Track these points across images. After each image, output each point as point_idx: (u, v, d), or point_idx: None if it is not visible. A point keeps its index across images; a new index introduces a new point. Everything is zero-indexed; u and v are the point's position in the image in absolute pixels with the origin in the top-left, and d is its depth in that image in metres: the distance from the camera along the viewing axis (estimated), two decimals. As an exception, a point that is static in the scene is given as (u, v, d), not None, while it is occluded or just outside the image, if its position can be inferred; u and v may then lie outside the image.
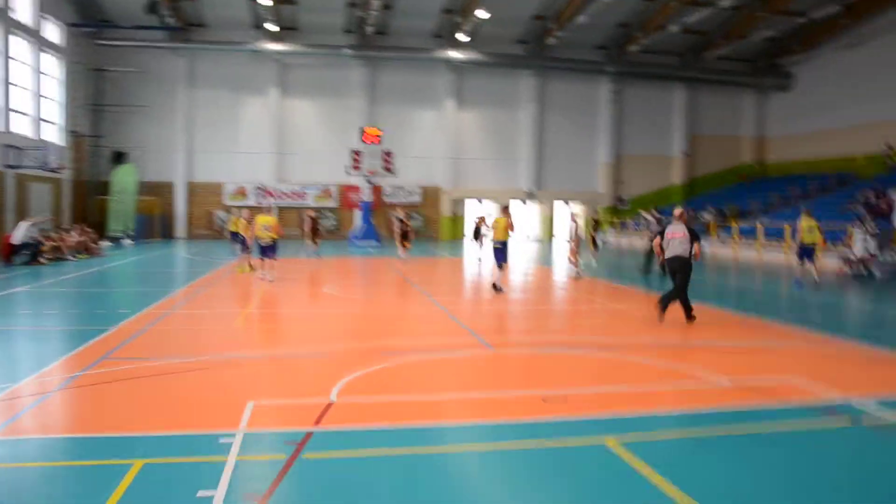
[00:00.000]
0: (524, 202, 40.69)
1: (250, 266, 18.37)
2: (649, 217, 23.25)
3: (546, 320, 12.39)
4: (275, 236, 16.30)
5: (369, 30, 34.62)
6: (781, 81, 39.85)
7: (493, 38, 37.25)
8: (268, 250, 16.25)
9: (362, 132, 30.35)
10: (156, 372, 7.59)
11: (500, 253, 14.81)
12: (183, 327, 10.74)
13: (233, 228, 20.86)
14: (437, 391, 7.11)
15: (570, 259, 18.60)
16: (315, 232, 22.61)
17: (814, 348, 9.70)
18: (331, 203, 37.38)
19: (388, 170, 29.63)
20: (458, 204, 39.57)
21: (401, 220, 22.49)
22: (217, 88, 36.09)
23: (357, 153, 29.38)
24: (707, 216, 32.19)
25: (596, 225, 23.14)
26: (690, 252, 11.00)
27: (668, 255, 11.22)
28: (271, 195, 36.10)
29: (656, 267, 18.00)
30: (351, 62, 36.88)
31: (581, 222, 21.41)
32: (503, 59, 38.18)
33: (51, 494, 4.48)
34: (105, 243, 27.38)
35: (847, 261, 20.70)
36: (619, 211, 40.52)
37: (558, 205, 41.28)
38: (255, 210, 21.20)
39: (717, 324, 11.54)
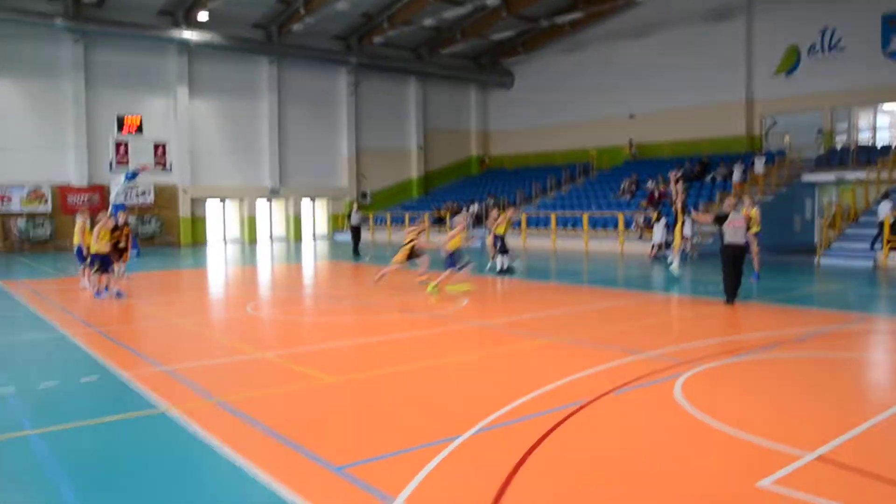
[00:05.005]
0: (268, 200, 37.75)
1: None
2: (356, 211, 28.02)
3: (599, 325, 11.30)
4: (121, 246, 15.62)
5: (87, -1, 28.53)
6: (503, 79, 43.00)
7: (229, 20, 33.66)
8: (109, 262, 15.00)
9: (122, 122, 24.96)
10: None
11: (500, 240, 18.32)
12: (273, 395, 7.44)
13: (79, 241, 15.50)
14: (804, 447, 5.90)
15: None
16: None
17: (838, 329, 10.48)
18: (43, 208, 30.12)
19: (161, 165, 24.84)
20: (198, 204, 35.00)
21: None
22: None
23: (121, 146, 24.02)
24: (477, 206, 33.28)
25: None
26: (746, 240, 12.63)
27: (727, 241, 12.25)
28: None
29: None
30: (62, 36, 30.03)
31: None
32: (241, 43, 34.71)
33: None
34: None
35: (657, 245, 23.18)
36: (363, 206, 39.88)
37: (305, 202, 39.18)
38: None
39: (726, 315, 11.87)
